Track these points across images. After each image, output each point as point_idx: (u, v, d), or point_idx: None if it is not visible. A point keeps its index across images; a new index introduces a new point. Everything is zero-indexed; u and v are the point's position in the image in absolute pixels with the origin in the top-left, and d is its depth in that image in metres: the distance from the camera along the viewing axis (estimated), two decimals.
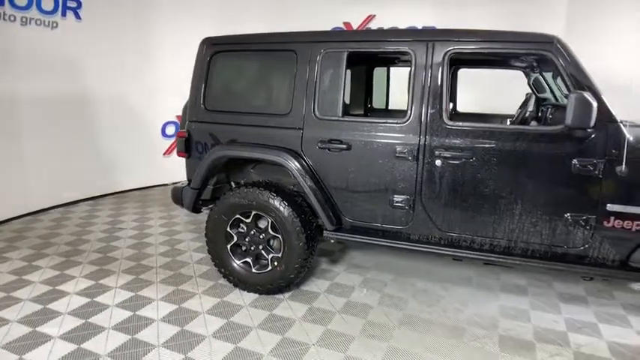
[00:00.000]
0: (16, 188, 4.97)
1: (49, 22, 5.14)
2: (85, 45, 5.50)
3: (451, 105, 4.39)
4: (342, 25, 7.34)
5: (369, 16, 7.19)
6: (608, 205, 2.56)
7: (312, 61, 3.05)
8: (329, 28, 7.14)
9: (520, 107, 3.83)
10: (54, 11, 5.18)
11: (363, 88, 4.51)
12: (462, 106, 4.66)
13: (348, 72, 4.23)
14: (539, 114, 3.74)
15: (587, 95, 2.37)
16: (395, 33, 2.97)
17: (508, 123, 3.95)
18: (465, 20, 6.37)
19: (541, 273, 3.79)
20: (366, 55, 3.21)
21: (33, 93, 5.07)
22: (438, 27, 6.66)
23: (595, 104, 2.37)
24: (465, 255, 2.88)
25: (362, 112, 4.55)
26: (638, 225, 2.53)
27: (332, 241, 3.39)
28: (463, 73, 4.71)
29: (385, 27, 7.07)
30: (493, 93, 5.45)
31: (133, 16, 6.05)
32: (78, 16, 5.43)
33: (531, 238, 2.72)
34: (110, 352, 2.57)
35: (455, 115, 4.37)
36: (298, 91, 3.10)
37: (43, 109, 5.16)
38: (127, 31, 5.98)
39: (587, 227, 2.61)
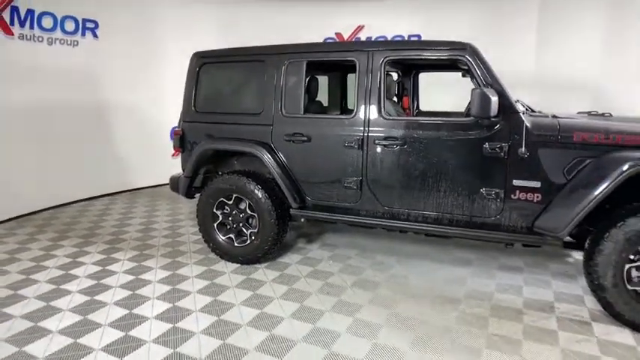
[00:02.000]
0: (45, 185, 5.77)
1: (70, 41, 5.96)
2: (101, 60, 6.32)
3: (415, 104, 5.00)
4: (334, 36, 8.01)
5: (359, 27, 7.83)
6: (514, 180, 3.11)
7: (279, 69, 3.71)
8: (322, 39, 7.84)
9: (469, 104, 4.39)
10: (75, 32, 6.00)
11: (339, 92, 5.14)
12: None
13: (325, 78, 4.88)
14: None
15: (487, 91, 2.94)
16: (343, 45, 3.57)
17: None
18: (448, 28, 6.95)
19: (490, 249, 4.33)
20: (322, 63, 3.83)
21: (58, 102, 5.88)
22: (424, 36, 7.30)
23: (494, 98, 2.94)
24: (403, 226, 3.46)
25: (339, 112, 5.17)
26: (537, 197, 3.08)
27: (302, 219, 4.01)
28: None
29: (374, 36, 7.72)
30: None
31: (142, 34, 6.86)
32: (95, 35, 6.25)
33: (455, 210, 3.30)
34: (115, 301, 3.25)
35: (418, 113, 4.96)
36: (268, 94, 3.76)
37: (66, 117, 5.97)
38: (138, 47, 6.79)
39: (498, 200, 3.17)
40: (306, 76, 3.67)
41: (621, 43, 6.15)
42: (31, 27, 5.52)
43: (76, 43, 6.05)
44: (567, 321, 3.01)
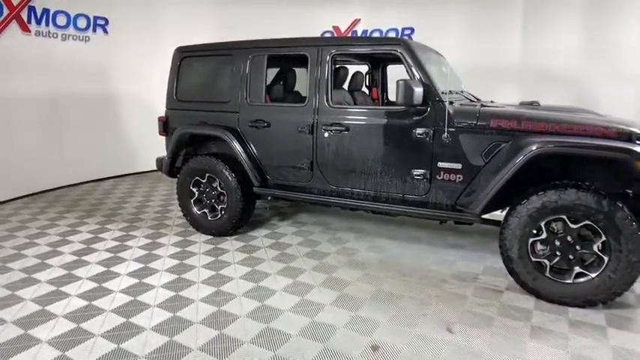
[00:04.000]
0: (57, 166, 6.48)
1: (83, 37, 6.61)
2: (111, 54, 6.96)
3: (384, 94, 5.36)
4: (331, 29, 8.37)
5: (355, 20, 8.16)
6: (439, 163, 3.47)
7: (244, 62, 4.17)
8: (320, 32, 8.22)
9: None
10: (87, 28, 6.64)
11: None
12: None
13: (272, 70, 5.21)
14: None
15: (411, 82, 3.30)
16: (297, 40, 3.94)
17: None
18: (442, 22, 7.22)
19: (443, 229, 4.68)
20: (281, 57, 4.25)
21: (71, 93, 6.56)
22: (417, 29, 7.59)
23: (418, 89, 3.30)
24: (348, 203, 3.87)
25: None
26: (459, 177, 3.43)
27: (269, 198, 4.49)
28: None
29: (370, 29, 8.05)
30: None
31: (149, 30, 7.45)
32: (106, 31, 6.88)
33: (390, 189, 3.69)
34: (98, 261, 3.84)
35: (387, 103, 5.33)
36: (235, 85, 4.23)
37: (78, 106, 6.65)
38: (144, 42, 7.39)
39: (426, 180, 3.53)
40: (272, 69, 4.11)
41: (603, 38, 6.26)
42: (47, 24, 6.17)
43: (87, 38, 6.69)
44: (482, 289, 3.37)
